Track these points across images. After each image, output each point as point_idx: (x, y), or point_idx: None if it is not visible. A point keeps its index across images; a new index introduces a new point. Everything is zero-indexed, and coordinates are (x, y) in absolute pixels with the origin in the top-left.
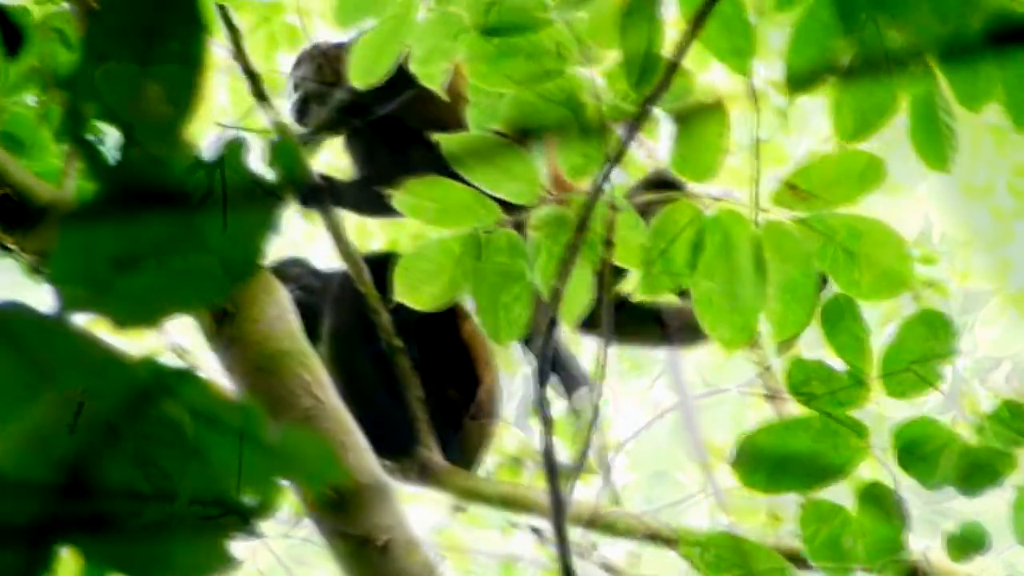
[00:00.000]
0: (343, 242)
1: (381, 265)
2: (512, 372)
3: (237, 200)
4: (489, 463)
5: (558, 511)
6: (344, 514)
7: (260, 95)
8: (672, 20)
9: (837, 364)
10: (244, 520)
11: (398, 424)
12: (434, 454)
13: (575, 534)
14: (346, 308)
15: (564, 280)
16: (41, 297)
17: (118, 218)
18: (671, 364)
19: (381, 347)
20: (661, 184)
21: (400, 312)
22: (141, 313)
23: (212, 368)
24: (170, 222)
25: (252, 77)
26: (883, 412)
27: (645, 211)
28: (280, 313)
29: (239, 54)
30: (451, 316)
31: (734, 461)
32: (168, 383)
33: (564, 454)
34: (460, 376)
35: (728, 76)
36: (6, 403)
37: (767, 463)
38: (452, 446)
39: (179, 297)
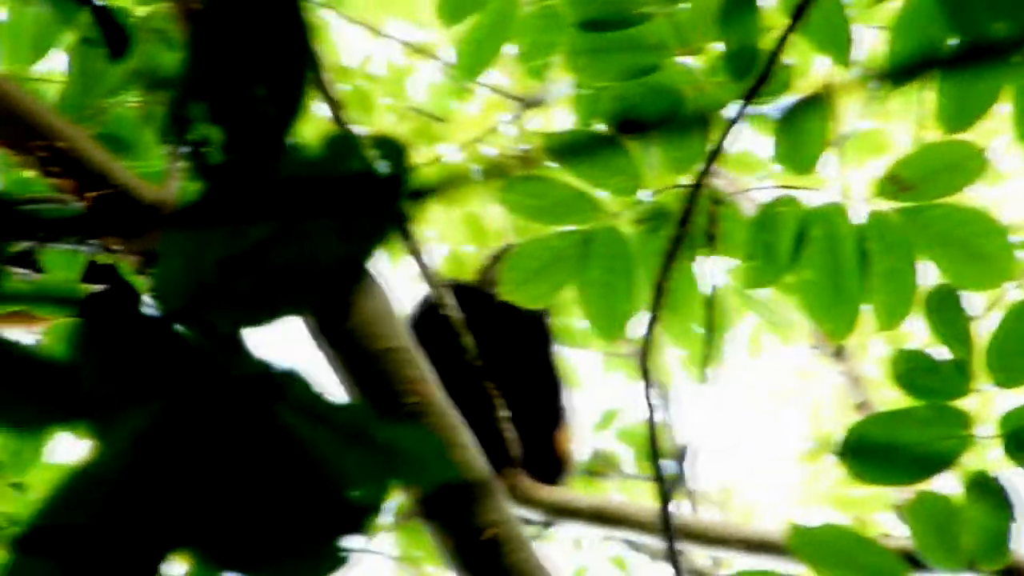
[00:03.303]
0: (423, 264)
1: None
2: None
3: (345, 200)
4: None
5: (666, 512)
6: (450, 510)
7: (340, 123)
8: (772, 11)
9: (942, 353)
10: (355, 520)
11: (483, 443)
12: (522, 472)
13: (660, 542)
14: (422, 330)
15: (667, 275)
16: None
17: (223, 219)
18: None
19: (459, 367)
20: None
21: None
22: (247, 315)
23: (318, 367)
24: (276, 223)
25: (333, 105)
26: (990, 401)
27: None
28: (385, 311)
29: (318, 81)
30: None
31: (841, 453)
32: (277, 385)
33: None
34: (541, 393)
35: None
36: (113, 409)
37: (875, 455)
38: (536, 463)
39: (286, 299)
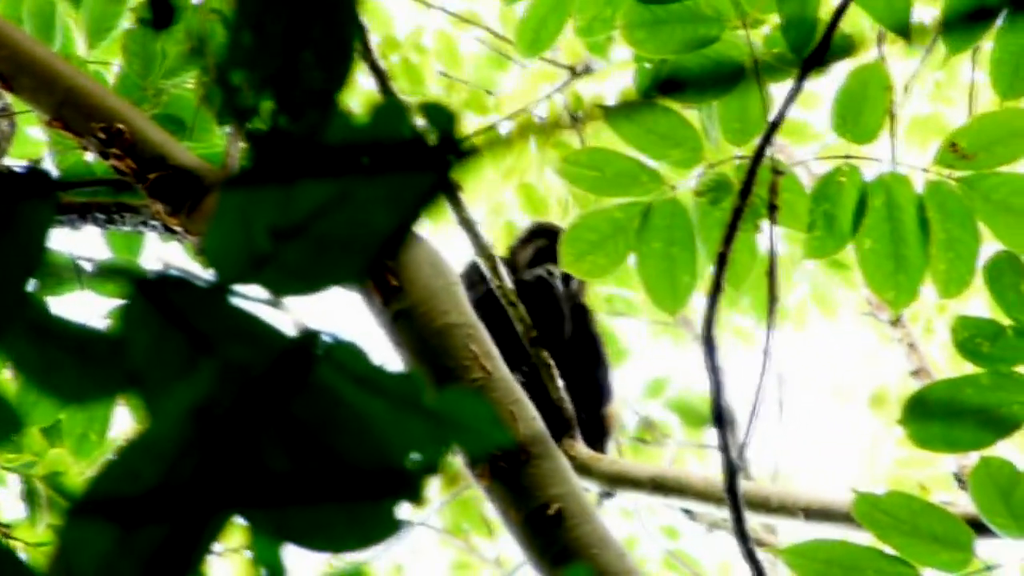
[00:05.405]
0: (475, 234)
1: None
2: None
3: (394, 167)
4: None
5: (733, 483)
6: (515, 483)
7: (387, 92)
8: None
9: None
10: (409, 487)
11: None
12: (579, 441)
13: (713, 511)
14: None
15: (729, 245)
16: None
17: (273, 187)
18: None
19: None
20: (542, 234)
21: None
22: (299, 283)
23: (380, 342)
24: (326, 189)
25: (379, 74)
26: None
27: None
28: (446, 285)
29: (366, 53)
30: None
31: (904, 419)
32: (327, 351)
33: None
34: (584, 366)
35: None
36: (164, 374)
37: (938, 420)
38: (585, 433)
39: (335, 267)
